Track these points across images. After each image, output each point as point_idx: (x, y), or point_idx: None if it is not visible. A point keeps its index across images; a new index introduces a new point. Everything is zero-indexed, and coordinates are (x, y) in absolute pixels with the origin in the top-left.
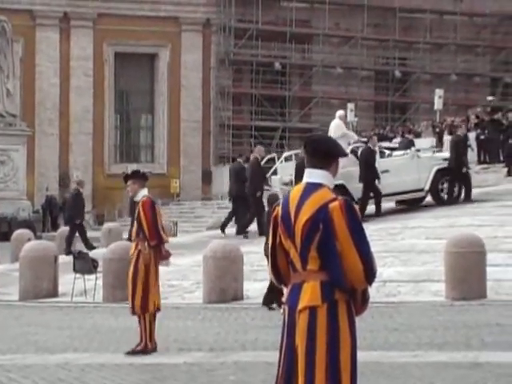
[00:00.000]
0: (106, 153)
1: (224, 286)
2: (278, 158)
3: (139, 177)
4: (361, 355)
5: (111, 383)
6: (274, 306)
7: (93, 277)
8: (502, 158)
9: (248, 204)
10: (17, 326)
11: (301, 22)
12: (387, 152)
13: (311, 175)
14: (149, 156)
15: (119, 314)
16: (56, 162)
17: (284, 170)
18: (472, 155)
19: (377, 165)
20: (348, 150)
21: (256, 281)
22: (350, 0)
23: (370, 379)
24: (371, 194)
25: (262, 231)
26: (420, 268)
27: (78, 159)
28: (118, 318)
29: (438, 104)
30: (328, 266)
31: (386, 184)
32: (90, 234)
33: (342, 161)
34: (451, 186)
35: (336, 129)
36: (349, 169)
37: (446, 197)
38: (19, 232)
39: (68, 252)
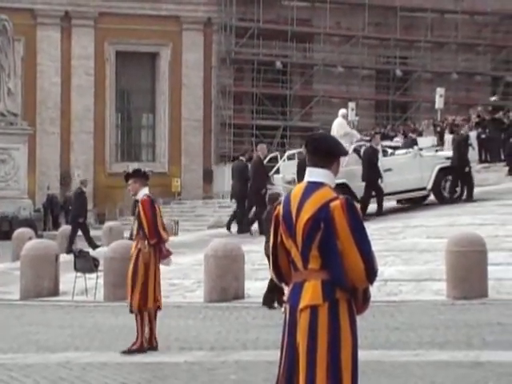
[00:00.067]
0: (107, 152)
1: (225, 284)
2: (281, 157)
3: (140, 176)
4: (362, 354)
5: (112, 382)
6: (275, 305)
7: (94, 276)
8: (502, 157)
9: (251, 202)
10: (18, 325)
11: (302, 20)
12: (390, 151)
13: (312, 174)
14: (150, 155)
15: (120, 312)
16: (57, 160)
17: (286, 168)
18: (473, 154)
19: (379, 164)
20: (351, 149)
21: (257, 280)
22: None
23: (371, 378)
24: (373, 193)
25: (262, 230)
26: (421, 267)
27: (79, 158)
28: (119, 317)
29: (438, 103)
30: (329, 264)
31: (388, 183)
32: (91, 232)
33: (344, 159)
34: (453, 184)
35: (339, 127)
36: (351, 167)
37: (447, 195)
38: (20, 231)
39: (69, 251)
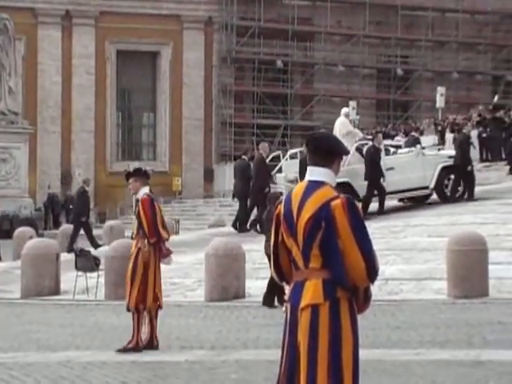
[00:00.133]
0: (107, 151)
1: (226, 284)
2: (283, 156)
3: (141, 175)
4: (363, 353)
5: (113, 381)
6: (276, 304)
7: (95, 274)
8: (504, 156)
9: (254, 201)
10: (19, 324)
11: (303, 19)
12: (392, 150)
13: (313, 173)
14: (151, 154)
15: (121, 311)
16: (58, 159)
17: (289, 167)
18: (474, 153)
19: (382, 162)
20: (353, 148)
21: (258, 279)
22: None
23: (372, 377)
24: (375, 192)
25: (262, 229)
26: (422, 266)
27: (80, 157)
28: (119, 316)
29: (439, 102)
30: (330, 264)
31: (391, 181)
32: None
33: (346, 158)
34: (456, 183)
35: (341, 126)
36: (354, 166)
37: (448, 194)
38: (21, 230)
39: (70, 249)
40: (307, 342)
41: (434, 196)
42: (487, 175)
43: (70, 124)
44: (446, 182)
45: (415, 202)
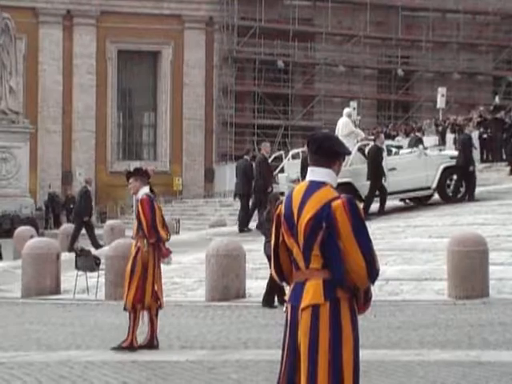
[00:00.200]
0: (108, 150)
1: (226, 283)
2: (285, 156)
3: (141, 174)
4: (363, 354)
5: (113, 381)
6: (276, 304)
7: (95, 274)
8: (504, 157)
9: (257, 201)
10: (19, 324)
11: (304, 20)
12: (394, 150)
13: (314, 173)
14: (151, 154)
15: (121, 311)
16: (59, 159)
17: (291, 167)
18: (475, 154)
19: (384, 163)
20: (355, 148)
21: (258, 279)
22: None
23: (372, 378)
24: (377, 192)
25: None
26: (423, 266)
27: (81, 157)
28: (120, 316)
29: (440, 102)
30: (330, 264)
31: (393, 182)
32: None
33: (348, 159)
34: (458, 184)
35: (344, 127)
36: (356, 166)
37: (450, 194)
38: (22, 229)
39: (70, 248)
40: (307, 342)
41: (436, 196)
42: (488, 176)
43: (70, 123)
44: (448, 182)
45: (417, 202)
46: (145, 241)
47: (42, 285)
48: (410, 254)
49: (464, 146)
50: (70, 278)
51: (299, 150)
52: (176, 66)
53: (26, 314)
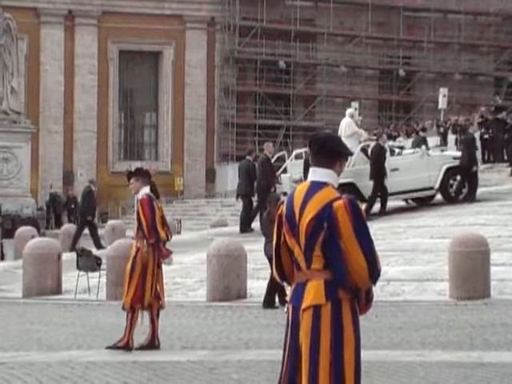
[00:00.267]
0: (110, 150)
1: (227, 284)
2: (288, 157)
3: (142, 174)
4: (365, 354)
5: (115, 381)
6: (277, 304)
7: (96, 274)
8: (505, 158)
9: (261, 201)
10: (20, 324)
11: (305, 20)
12: (397, 150)
13: (315, 174)
14: (153, 154)
15: (122, 311)
16: (60, 159)
17: (294, 167)
18: (477, 154)
19: (387, 163)
20: (358, 148)
21: (259, 279)
22: None
23: (373, 378)
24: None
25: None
26: (424, 267)
27: (82, 157)
28: (121, 316)
29: (442, 103)
30: (332, 264)
31: (396, 182)
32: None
33: (351, 159)
34: (461, 184)
35: (347, 127)
36: (359, 167)
37: (453, 194)
38: (23, 229)
39: (72, 248)
40: (309, 342)
41: (438, 197)
42: (489, 176)
43: (72, 124)
44: (451, 182)
45: (420, 202)
46: (144, 241)
47: (43, 285)
48: (411, 255)
49: (468, 145)
50: (72, 278)
51: (302, 151)
52: (177, 66)
53: (27, 314)
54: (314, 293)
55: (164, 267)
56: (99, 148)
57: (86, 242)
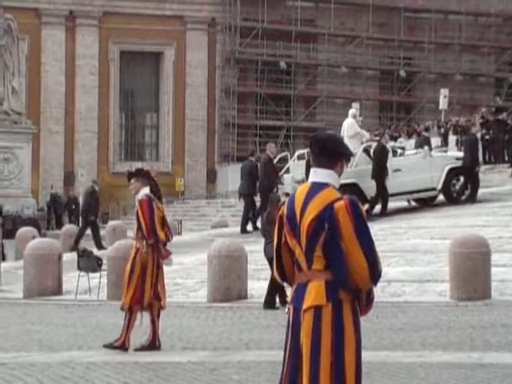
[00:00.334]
0: (110, 151)
1: (228, 284)
2: (291, 157)
3: (142, 175)
4: (365, 355)
5: (115, 381)
6: (278, 305)
7: (97, 275)
8: (506, 158)
9: (264, 202)
10: (21, 324)
11: (306, 21)
12: (399, 151)
13: (317, 174)
14: (153, 154)
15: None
16: (61, 160)
17: (296, 168)
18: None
19: (389, 163)
20: (360, 149)
21: (260, 280)
22: None
23: (374, 379)
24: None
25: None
26: (425, 268)
27: (83, 157)
28: (121, 316)
29: (443, 104)
30: (333, 265)
31: (398, 183)
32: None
33: (353, 160)
34: (465, 185)
35: (349, 128)
36: (361, 167)
37: (455, 195)
38: (24, 230)
39: (75, 247)
40: (310, 343)
41: (440, 197)
42: (490, 177)
43: (73, 124)
44: (454, 182)
45: (422, 203)
46: (144, 242)
47: (43, 285)
48: (412, 256)
49: (471, 146)
50: (72, 278)
51: (305, 151)
52: (178, 66)
53: (27, 314)
54: (314, 293)
55: (165, 268)
56: (100, 148)
57: (86, 243)
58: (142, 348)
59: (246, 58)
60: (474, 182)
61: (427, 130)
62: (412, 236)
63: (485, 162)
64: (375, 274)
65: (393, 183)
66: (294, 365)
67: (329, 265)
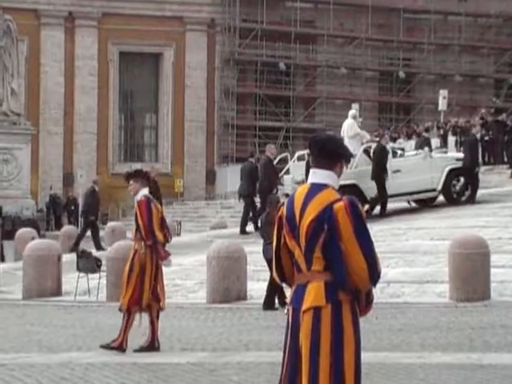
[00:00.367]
0: (110, 152)
1: (227, 285)
2: (291, 158)
3: (141, 176)
4: (365, 356)
5: (114, 382)
6: (277, 306)
7: (96, 276)
8: (505, 159)
9: (264, 203)
10: (20, 325)
11: (305, 22)
12: (399, 152)
13: (316, 175)
14: (153, 155)
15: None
16: (60, 161)
17: (296, 169)
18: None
19: (389, 164)
20: (361, 150)
21: (259, 281)
22: (354, 0)
23: (374, 380)
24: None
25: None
26: (424, 269)
27: (82, 158)
28: (120, 317)
29: (442, 105)
30: (332, 266)
31: (398, 184)
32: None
33: (353, 160)
34: (465, 186)
35: (349, 129)
36: (361, 168)
37: (455, 196)
38: (23, 231)
39: (75, 247)
40: (309, 344)
41: (440, 198)
42: (489, 178)
43: (72, 125)
44: (454, 183)
45: (422, 204)
46: (142, 243)
47: (43, 286)
48: (411, 257)
49: (471, 147)
50: (72, 279)
51: (304, 152)
52: (178, 67)
53: (27, 315)
54: (314, 294)
55: (164, 269)
56: (99, 149)
57: (85, 244)
58: (141, 349)
59: (246, 59)
60: (473, 183)
61: (427, 130)
62: (411, 237)
63: (484, 163)
64: (374, 274)
65: (393, 184)
66: (293, 366)
67: (328, 266)
